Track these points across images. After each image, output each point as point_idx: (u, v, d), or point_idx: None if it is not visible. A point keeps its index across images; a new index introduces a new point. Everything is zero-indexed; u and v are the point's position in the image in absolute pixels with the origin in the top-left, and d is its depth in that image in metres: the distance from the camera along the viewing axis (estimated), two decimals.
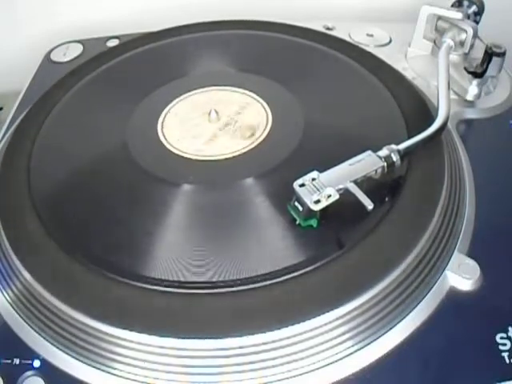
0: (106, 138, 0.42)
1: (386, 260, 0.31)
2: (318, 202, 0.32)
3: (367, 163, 0.34)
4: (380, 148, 0.35)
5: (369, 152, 0.34)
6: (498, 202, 0.37)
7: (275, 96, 0.44)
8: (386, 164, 0.34)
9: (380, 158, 0.34)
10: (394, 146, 0.35)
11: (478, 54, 0.43)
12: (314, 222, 0.33)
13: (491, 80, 0.45)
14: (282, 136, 0.40)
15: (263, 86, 0.45)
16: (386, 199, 0.34)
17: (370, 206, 0.31)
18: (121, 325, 0.29)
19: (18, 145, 0.42)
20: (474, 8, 0.48)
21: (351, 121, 0.41)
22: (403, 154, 0.34)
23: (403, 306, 0.31)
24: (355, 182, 0.33)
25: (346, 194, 0.32)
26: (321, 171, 0.33)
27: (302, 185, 0.33)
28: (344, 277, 0.30)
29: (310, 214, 0.32)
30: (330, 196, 0.32)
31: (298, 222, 0.33)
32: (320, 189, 0.32)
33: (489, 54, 0.41)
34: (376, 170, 0.34)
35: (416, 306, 0.31)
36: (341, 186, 0.32)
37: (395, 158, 0.34)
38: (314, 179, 0.33)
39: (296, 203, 0.33)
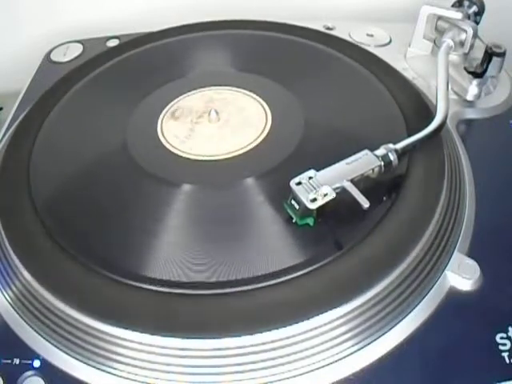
0: (106, 138, 0.42)
1: (385, 260, 0.31)
2: (314, 200, 0.32)
3: (364, 162, 0.34)
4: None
5: (366, 151, 0.34)
6: (498, 202, 0.37)
7: (275, 96, 0.44)
8: (382, 163, 0.34)
9: (377, 157, 0.34)
10: (391, 145, 0.35)
11: (478, 54, 0.43)
12: (310, 221, 0.33)
13: (491, 80, 0.45)
14: (281, 136, 0.40)
15: (263, 86, 0.45)
16: (386, 199, 0.34)
17: (366, 204, 0.31)
18: (121, 325, 0.29)
19: (18, 145, 0.42)
20: (474, 8, 0.48)
21: (351, 121, 0.41)
22: (401, 154, 0.35)
23: (403, 305, 0.31)
24: (352, 180, 0.33)
25: (344, 193, 0.32)
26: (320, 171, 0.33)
27: (299, 183, 0.33)
28: (344, 277, 0.30)
29: (306, 212, 0.32)
30: (326, 194, 0.32)
31: (294, 221, 0.33)
32: (317, 187, 0.32)
33: (489, 54, 0.41)
34: (373, 169, 0.34)
35: (416, 305, 0.31)
36: (337, 185, 0.32)
37: (392, 157, 0.34)
38: (310, 178, 0.33)
39: (293, 201, 0.33)
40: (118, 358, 0.30)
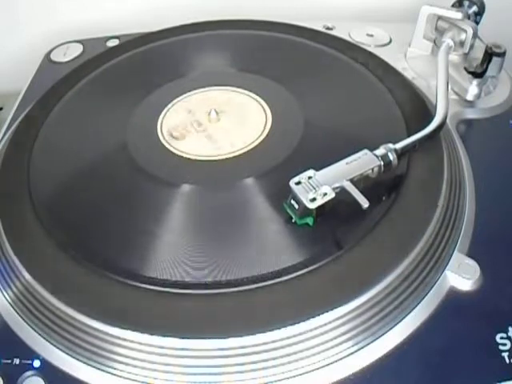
0: (106, 138, 0.42)
1: (385, 260, 0.31)
2: (313, 200, 0.32)
3: (364, 162, 0.34)
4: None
5: (365, 151, 0.34)
6: (498, 202, 0.37)
7: (275, 96, 0.44)
8: (382, 163, 0.34)
9: (377, 156, 0.34)
10: (390, 145, 0.35)
11: (478, 54, 0.43)
12: (309, 221, 0.33)
13: (491, 80, 0.45)
14: (281, 136, 0.40)
15: (263, 85, 0.45)
16: (386, 199, 0.34)
17: (365, 204, 0.31)
18: (121, 325, 0.29)
19: (18, 145, 0.42)
20: (474, 8, 0.48)
21: (351, 121, 0.41)
22: (400, 153, 0.35)
23: (403, 305, 0.31)
24: (351, 180, 0.33)
25: (343, 193, 0.32)
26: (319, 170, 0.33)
27: (299, 183, 0.33)
28: (344, 277, 0.30)
29: (305, 212, 0.32)
30: (325, 194, 0.32)
31: (294, 220, 0.33)
32: (316, 187, 0.32)
33: (489, 54, 0.41)
34: (373, 169, 0.34)
35: (416, 305, 0.31)
36: (337, 185, 0.32)
37: (392, 156, 0.34)
38: (310, 177, 0.33)
39: (292, 201, 0.33)
40: (118, 358, 0.30)
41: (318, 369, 0.29)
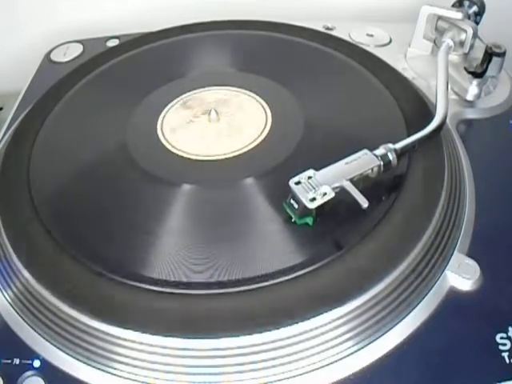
0: (106, 138, 0.42)
1: (385, 260, 0.31)
2: (313, 199, 0.32)
3: (363, 162, 0.34)
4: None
5: (365, 151, 0.34)
6: (498, 202, 0.37)
7: (275, 96, 0.44)
8: (382, 163, 0.34)
9: (376, 156, 0.34)
10: (390, 145, 0.35)
11: (478, 54, 0.43)
12: (309, 220, 0.33)
13: (491, 80, 0.45)
14: (281, 136, 0.40)
15: (263, 85, 0.45)
16: (386, 199, 0.34)
17: (364, 204, 0.31)
18: (121, 325, 0.29)
19: (18, 145, 0.42)
20: (474, 8, 0.48)
21: (351, 121, 0.41)
22: (400, 153, 0.35)
23: (403, 306, 0.31)
24: (351, 180, 0.33)
25: (343, 193, 0.32)
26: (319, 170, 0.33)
27: (298, 182, 0.33)
28: (344, 277, 0.30)
29: (305, 211, 0.32)
30: (325, 194, 0.32)
31: (293, 220, 0.33)
32: (316, 187, 0.32)
33: (489, 54, 0.41)
34: (372, 169, 0.34)
35: (416, 305, 0.31)
36: (336, 185, 0.32)
37: (391, 156, 0.34)
38: (310, 177, 0.33)
39: (292, 201, 0.33)
40: (119, 358, 0.30)
41: (317, 369, 0.29)
